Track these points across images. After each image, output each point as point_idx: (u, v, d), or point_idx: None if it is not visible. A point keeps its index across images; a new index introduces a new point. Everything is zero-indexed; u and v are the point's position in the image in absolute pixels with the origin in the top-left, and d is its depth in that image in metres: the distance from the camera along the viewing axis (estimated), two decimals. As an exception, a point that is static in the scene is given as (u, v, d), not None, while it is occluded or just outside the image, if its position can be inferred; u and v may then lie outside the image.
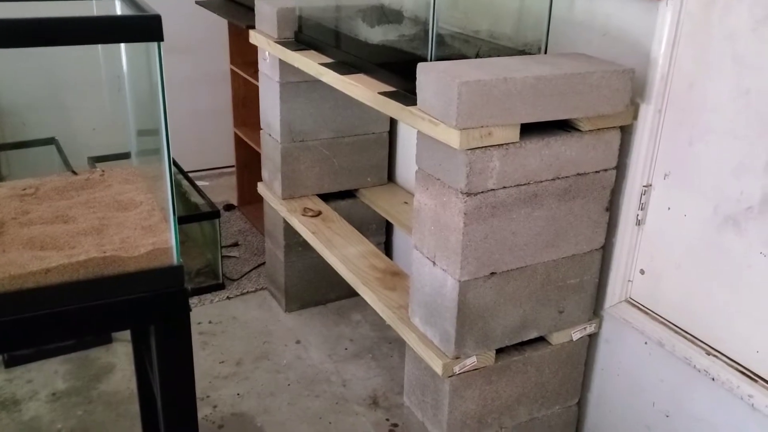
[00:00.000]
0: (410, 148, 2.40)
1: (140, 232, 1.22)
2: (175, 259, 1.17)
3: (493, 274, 1.52)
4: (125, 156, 2.68)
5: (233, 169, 3.37)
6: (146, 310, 1.16)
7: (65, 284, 1.10)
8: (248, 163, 3.20)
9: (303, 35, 2.14)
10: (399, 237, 2.57)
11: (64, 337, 1.15)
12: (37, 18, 0.98)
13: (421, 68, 1.46)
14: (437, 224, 1.52)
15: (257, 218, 3.05)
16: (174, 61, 3.21)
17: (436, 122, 1.41)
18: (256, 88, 2.62)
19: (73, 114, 3.00)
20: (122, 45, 1.62)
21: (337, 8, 2.13)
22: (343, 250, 2.07)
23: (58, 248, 1.17)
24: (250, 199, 3.26)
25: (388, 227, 2.59)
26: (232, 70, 3.11)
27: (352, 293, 2.60)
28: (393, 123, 2.48)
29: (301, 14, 2.16)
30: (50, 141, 2.77)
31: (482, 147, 1.40)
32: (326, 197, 2.44)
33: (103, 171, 1.48)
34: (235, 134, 3.21)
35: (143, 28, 1.02)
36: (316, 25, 2.12)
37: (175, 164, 3.04)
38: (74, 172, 1.47)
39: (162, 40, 1.03)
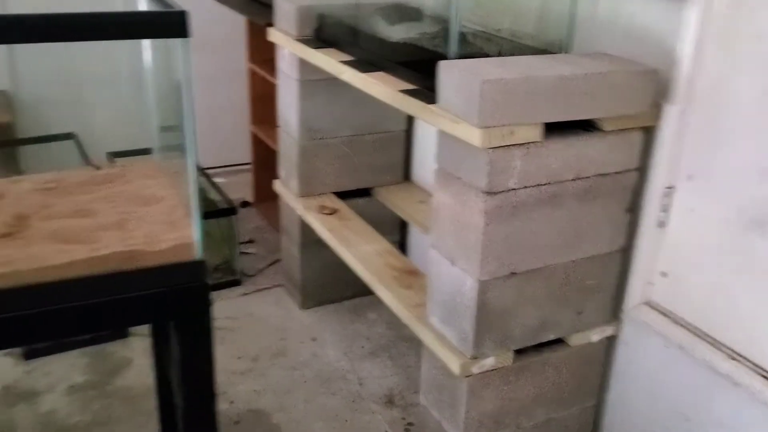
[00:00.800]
0: (428, 147, 2.39)
1: (163, 227, 1.22)
2: (197, 254, 1.18)
3: (512, 274, 1.52)
4: (144, 152, 2.69)
5: (249, 166, 3.38)
6: (168, 305, 1.16)
7: (88, 278, 1.11)
8: (264, 161, 3.21)
9: (323, 33, 2.14)
10: (414, 236, 2.57)
11: (86, 330, 1.15)
12: (64, 13, 0.99)
13: (443, 66, 1.45)
14: (457, 223, 1.51)
15: (272, 215, 3.05)
16: (191, 57, 3.23)
17: (458, 120, 1.40)
18: (274, 85, 2.63)
19: (91, 109, 3.02)
20: (145, 41, 1.62)
21: (357, 6, 2.13)
22: (359, 248, 2.07)
23: (81, 242, 1.17)
24: (265, 197, 3.27)
25: (404, 226, 2.58)
26: (249, 67, 3.11)
27: (368, 291, 2.59)
28: (410, 121, 2.47)
29: (320, 12, 2.15)
30: (69, 136, 2.79)
31: (504, 146, 1.39)
32: (342, 195, 2.44)
33: (124, 166, 1.48)
34: (252, 132, 3.22)
35: (170, 24, 1.02)
36: (335, 22, 2.12)
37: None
38: (96, 167, 1.47)
39: (188, 36, 1.04)
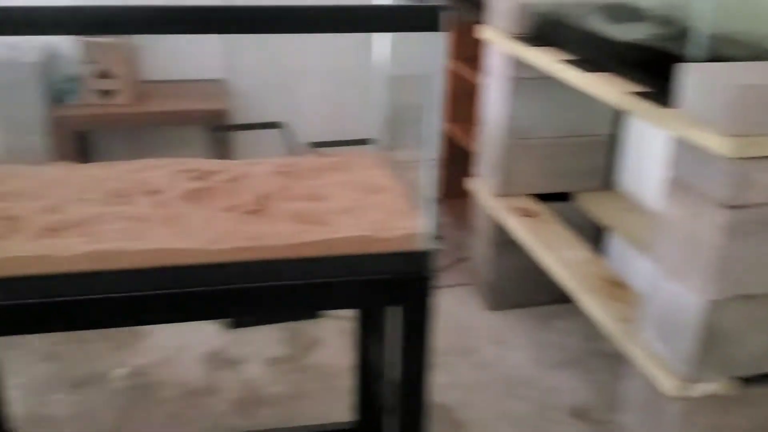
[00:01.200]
0: (642, 154, 2.28)
1: (393, 215, 1.25)
2: (426, 244, 1.19)
3: (745, 296, 1.40)
4: (352, 143, 2.79)
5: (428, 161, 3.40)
6: (395, 292, 1.19)
7: (327, 258, 1.16)
8: (455, 158, 3.22)
9: (540, 31, 2.10)
10: (614, 245, 2.46)
11: (318, 307, 1.22)
12: (322, 6, 1.03)
13: (686, 69, 1.37)
14: (687, 237, 1.42)
15: (460, 213, 3.05)
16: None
17: (701, 127, 1.31)
18: (471, 84, 2.63)
19: (301, 99, 3.19)
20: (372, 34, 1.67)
21: (579, 5, 2.07)
22: (561, 254, 2.01)
23: (319, 223, 1.23)
24: (453, 194, 3.28)
25: (601, 235, 2.48)
26: (449, 64, 3.13)
27: (559, 299, 2.52)
28: (616, 126, 2.37)
29: (539, 10, 2.12)
30: (278, 125, 2.96)
31: (752, 157, 1.29)
32: (540, 198, 2.39)
33: (351, 156, 1.54)
34: (444, 128, 3.24)
35: (423, 19, 1.04)
36: (555, 21, 2.07)
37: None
38: (323, 155, 1.54)
39: (439, 30, 1.05)
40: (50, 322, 1.16)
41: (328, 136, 2.98)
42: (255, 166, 1.48)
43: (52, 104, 2.76)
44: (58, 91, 2.78)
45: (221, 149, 2.91)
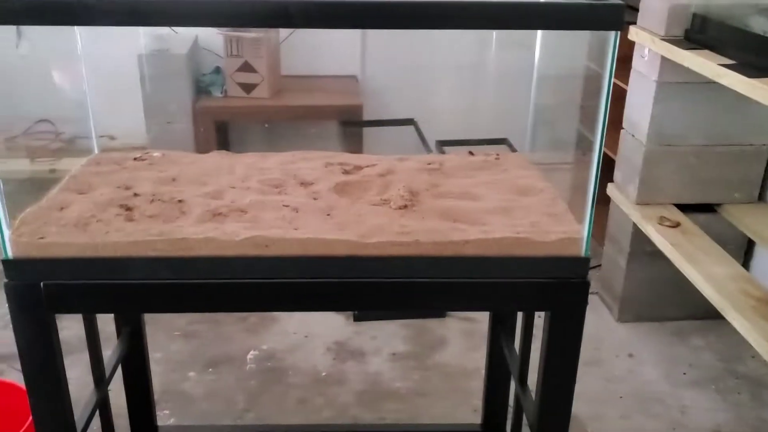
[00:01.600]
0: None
1: (547, 218, 1.22)
2: (583, 250, 1.16)
3: None
4: (486, 142, 2.77)
5: (567, 164, 3.31)
6: (548, 296, 1.16)
7: (480, 258, 1.15)
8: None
9: (697, 33, 2.00)
10: (763, 262, 2.30)
11: (468, 308, 1.20)
12: (499, 2, 1.01)
13: None
14: None
15: (595, 219, 2.96)
16: (520, 53, 3.27)
17: None
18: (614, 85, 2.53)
19: (432, 96, 3.20)
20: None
21: (741, 5, 1.95)
22: (708, 269, 1.90)
23: (471, 223, 1.22)
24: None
25: (750, 250, 2.33)
26: (587, 66, 3.04)
27: (693, 315, 2.40)
28: (775, 136, 2.21)
29: (697, 11, 2.01)
30: (410, 121, 2.98)
31: None
32: (682, 208, 2.27)
33: (498, 155, 1.52)
34: (579, 131, 3.15)
35: (605, 17, 1.00)
36: (713, 22, 1.96)
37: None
38: (471, 153, 1.53)
39: (620, 29, 1.01)
40: (211, 302, 1.21)
41: (459, 135, 2.97)
42: (403, 162, 1.49)
43: (197, 95, 2.90)
44: (202, 83, 2.92)
45: (353, 144, 2.96)
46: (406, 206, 1.27)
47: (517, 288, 1.16)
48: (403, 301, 1.19)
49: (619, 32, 1.02)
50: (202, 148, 2.81)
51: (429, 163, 1.48)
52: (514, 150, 2.91)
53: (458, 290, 1.15)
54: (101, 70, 1.53)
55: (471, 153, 1.53)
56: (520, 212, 1.25)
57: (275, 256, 1.16)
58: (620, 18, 0.99)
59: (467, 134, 2.99)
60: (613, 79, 1.05)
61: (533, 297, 1.17)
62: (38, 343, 1.19)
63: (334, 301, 1.20)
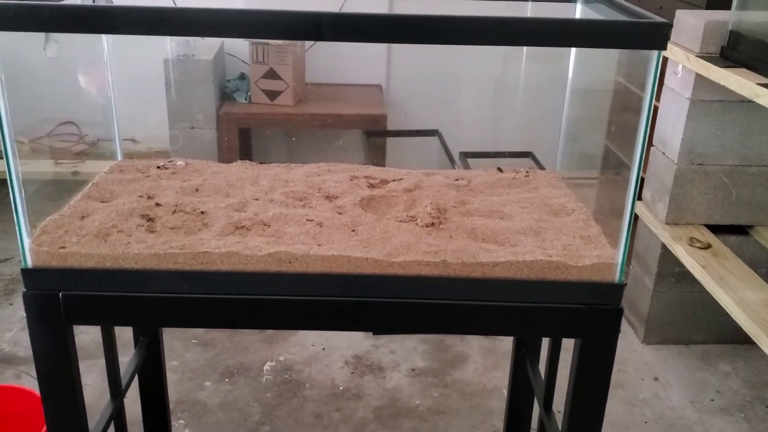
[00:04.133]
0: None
1: (580, 241, 1.18)
2: (617, 276, 1.11)
3: None
4: (511, 155, 2.73)
5: (593, 181, 3.26)
6: (580, 323, 1.12)
7: (510, 281, 1.11)
8: (611, 178, 3.07)
9: (733, 51, 1.94)
10: (794, 288, 2.24)
11: (497, 331, 1.16)
12: (545, 18, 0.98)
13: None
14: None
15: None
16: (547, 66, 3.22)
17: None
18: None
19: (453, 109, 3.16)
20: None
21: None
22: (740, 293, 1.85)
23: (500, 243, 1.18)
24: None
25: (783, 274, 2.27)
26: (617, 80, 2.99)
27: (721, 339, 2.34)
28: (811, 158, 2.15)
29: (733, 28, 1.96)
30: (434, 132, 2.94)
31: None
32: (713, 229, 2.22)
33: (527, 172, 1.48)
34: (606, 146, 3.10)
35: (650, 36, 0.97)
36: (753, 40, 1.91)
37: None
38: (499, 169, 1.49)
39: (665, 48, 0.97)
40: (232, 318, 1.18)
41: (483, 147, 2.93)
42: (429, 177, 1.45)
43: (221, 101, 2.89)
44: (227, 89, 2.91)
45: (376, 154, 2.93)
46: (433, 224, 1.23)
47: (547, 313, 1.12)
48: (428, 323, 1.15)
49: (662, 52, 0.98)
50: (224, 153, 2.80)
51: (457, 179, 1.45)
52: (539, 164, 2.87)
53: (486, 314, 1.12)
54: (127, 74, 1.52)
55: (500, 169, 1.49)
56: (552, 234, 1.21)
57: (298, 272, 1.13)
58: (665, 37, 0.95)
59: (491, 146, 2.96)
60: (651, 98, 1.01)
61: (564, 323, 1.13)
62: (55, 354, 1.17)
63: (357, 321, 1.16)
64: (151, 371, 1.68)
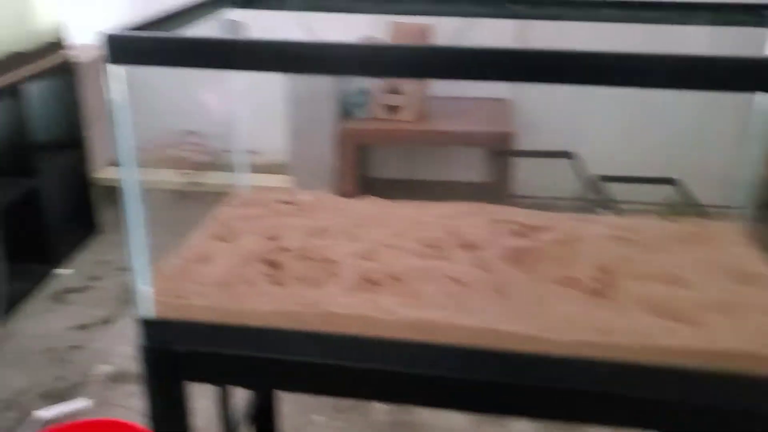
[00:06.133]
0: None
1: (787, 324, 0.96)
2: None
3: None
4: (654, 181, 2.45)
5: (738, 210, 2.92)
6: (786, 431, 0.90)
7: (697, 373, 0.90)
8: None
9: None
10: None
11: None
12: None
13: None
14: None
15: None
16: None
17: None
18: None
19: (589, 127, 2.92)
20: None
21: None
22: None
23: (682, 320, 0.98)
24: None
25: None
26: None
27: None
28: None
29: None
30: (567, 155, 2.71)
31: None
32: None
33: (706, 223, 1.25)
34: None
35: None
36: None
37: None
38: (672, 219, 1.28)
39: None
40: (359, 390, 1.05)
41: (619, 170, 2.67)
42: (586, 224, 1.26)
43: (341, 116, 2.79)
44: (347, 105, 2.81)
45: (502, 176, 2.74)
46: (599, 291, 1.04)
47: (747, 418, 0.90)
48: (591, 415, 0.96)
49: None
50: (343, 170, 2.69)
51: (620, 229, 1.24)
52: (686, 193, 2.58)
53: (667, 411, 0.92)
54: (250, 87, 1.44)
55: (672, 219, 1.28)
56: (747, 309, 0.99)
57: (437, 344, 0.97)
58: None
59: (629, 170, 2.68)
60: None
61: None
62: (169, 411, 1.08)
63: (503, 405, 1.00)
64: (264, 414, 1.58)
